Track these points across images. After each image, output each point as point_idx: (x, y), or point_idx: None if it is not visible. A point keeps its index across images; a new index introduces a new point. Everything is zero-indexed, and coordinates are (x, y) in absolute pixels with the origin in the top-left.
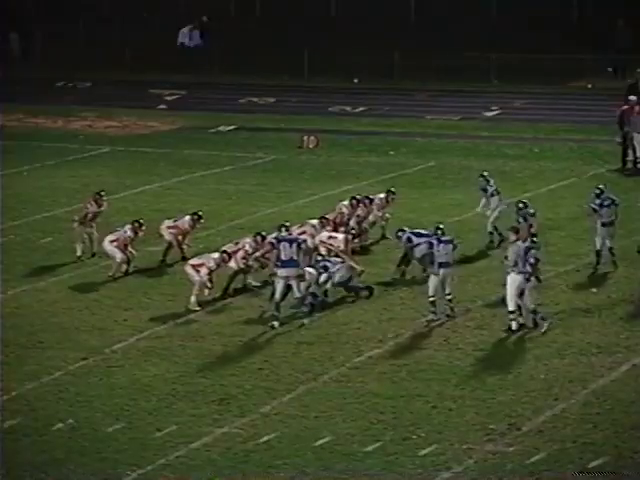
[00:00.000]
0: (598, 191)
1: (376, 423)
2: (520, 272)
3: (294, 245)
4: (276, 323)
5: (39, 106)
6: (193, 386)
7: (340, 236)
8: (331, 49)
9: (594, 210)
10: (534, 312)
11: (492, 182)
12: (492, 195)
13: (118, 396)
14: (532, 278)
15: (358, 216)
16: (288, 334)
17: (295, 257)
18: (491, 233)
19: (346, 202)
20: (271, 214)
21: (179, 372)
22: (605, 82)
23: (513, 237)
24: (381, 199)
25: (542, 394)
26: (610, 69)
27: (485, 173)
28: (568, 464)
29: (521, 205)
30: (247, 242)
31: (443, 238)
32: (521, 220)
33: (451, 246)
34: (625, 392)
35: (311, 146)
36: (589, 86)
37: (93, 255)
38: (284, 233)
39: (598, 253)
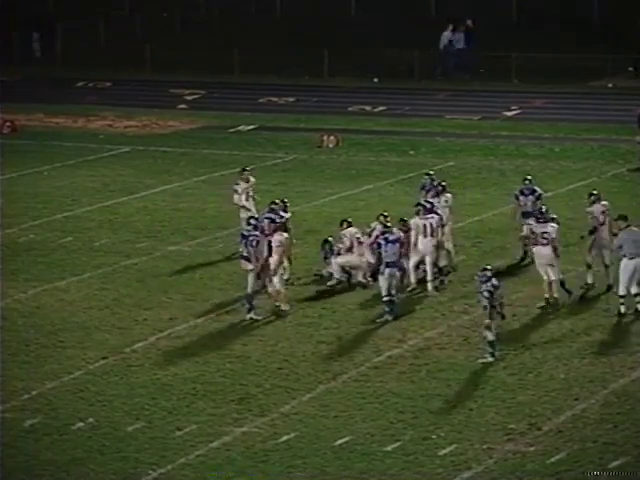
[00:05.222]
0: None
1: (396, 423)
2: (632, 257)
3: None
4: (254, 314)
5: (59, 106)
6: (213, 385)
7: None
8: (351, 49)
9: (515, 197)
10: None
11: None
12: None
13: (138, 395)
14: None
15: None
16: (308, 334)
17: None
18: None
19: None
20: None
21: (199, 371)
22: (626, 81)
23: (624, 224)
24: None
25: (562, 394)
26: (631, 68)
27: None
28: (588, 464)
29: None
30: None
31: (390, 238)
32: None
33: (398, 245)
34: None
35: (331, 146)
36: (609, 85)
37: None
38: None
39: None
